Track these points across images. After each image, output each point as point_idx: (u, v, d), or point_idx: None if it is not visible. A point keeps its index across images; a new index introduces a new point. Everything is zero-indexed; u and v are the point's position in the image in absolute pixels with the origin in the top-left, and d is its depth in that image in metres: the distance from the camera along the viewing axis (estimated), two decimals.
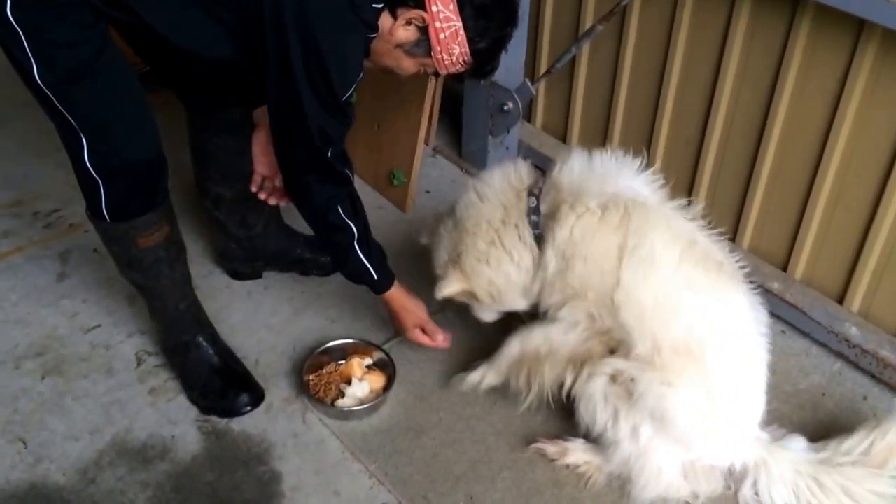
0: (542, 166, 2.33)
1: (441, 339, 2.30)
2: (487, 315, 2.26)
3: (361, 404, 2.27)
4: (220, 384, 2.30)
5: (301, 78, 1.79)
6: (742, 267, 2.01)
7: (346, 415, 2.28)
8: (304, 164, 1.95)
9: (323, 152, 1.90)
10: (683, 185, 2.73)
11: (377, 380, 2.35)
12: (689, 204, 2.02)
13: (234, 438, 2.25)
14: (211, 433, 2.26)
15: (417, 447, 2.22)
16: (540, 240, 1.98)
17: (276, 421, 2.29)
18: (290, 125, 1.88)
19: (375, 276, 2.14)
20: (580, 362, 2.00)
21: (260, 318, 2.60)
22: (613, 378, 1.98)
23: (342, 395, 2.31)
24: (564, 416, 2.24)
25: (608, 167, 1.98)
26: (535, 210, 2.00)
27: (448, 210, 2.19)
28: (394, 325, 2.35)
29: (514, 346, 2.12)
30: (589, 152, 2.00)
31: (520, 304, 2.15)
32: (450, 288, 2.12)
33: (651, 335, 1.90)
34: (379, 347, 2.41)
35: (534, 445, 2.20)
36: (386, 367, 2.37)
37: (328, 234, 2.07)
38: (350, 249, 2.07)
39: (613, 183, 1.95)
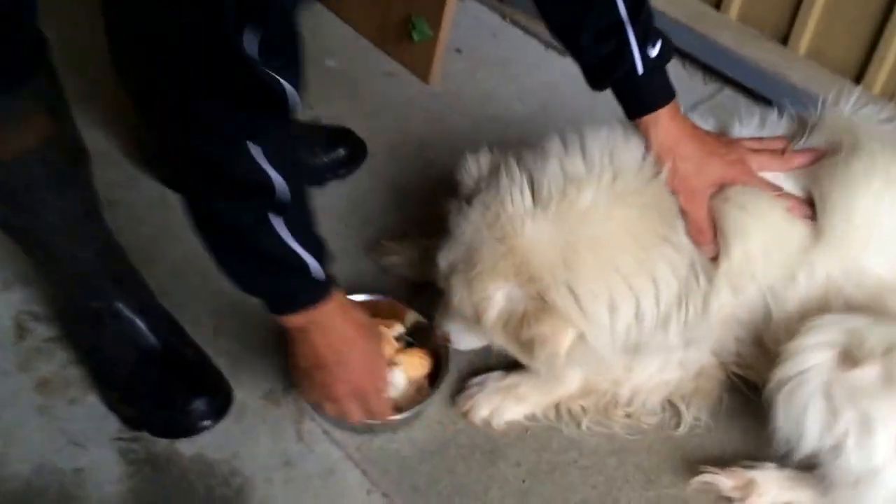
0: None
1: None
2: (470, 343, 1.39)
3: (396, 410, 1.37)
4: (159, 380, 1.37)
5: None
6: None
7: (371, 425, 1.38)
8: (195, 65, 0.91)
9: (237, 45, 0.87)
10: None
11: (418, 364, 1.43)
12: None
13: (184, 471, 1.34)
14: (143, 462, 1.35)
15: (495, 481, 1.35)
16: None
17: (252, 438, 1.39)
18: None
19: (310, 267, 1.10)
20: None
21: None
22: (847, 356, 1.16)
23: None
24: (732, 427, 1.39)
25: None
26: None
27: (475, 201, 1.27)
28: (294, 377, 1.31)
29: (577, 375, 1.40)
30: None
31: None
32: (551, 348, 1.23)
33: None
34: (415, 307, 1.48)
35: (699, 478, 1.34)
36: (429, 340, 1.44)
37: (227, 194, 1.03)
38: (262, 223, 1.04)
39: None
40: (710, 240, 1.24)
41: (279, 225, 1.03)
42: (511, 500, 1.33)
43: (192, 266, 1.60)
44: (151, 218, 1.69)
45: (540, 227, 1.19)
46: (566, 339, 1.20)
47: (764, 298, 1.27)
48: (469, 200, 1.26)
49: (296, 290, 1.12)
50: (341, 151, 1.76)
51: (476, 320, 1.24)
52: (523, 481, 1.35)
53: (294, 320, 1.14)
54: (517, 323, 1.21)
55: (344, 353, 1.18)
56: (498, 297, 1.21)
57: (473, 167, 1.29)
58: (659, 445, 1.40)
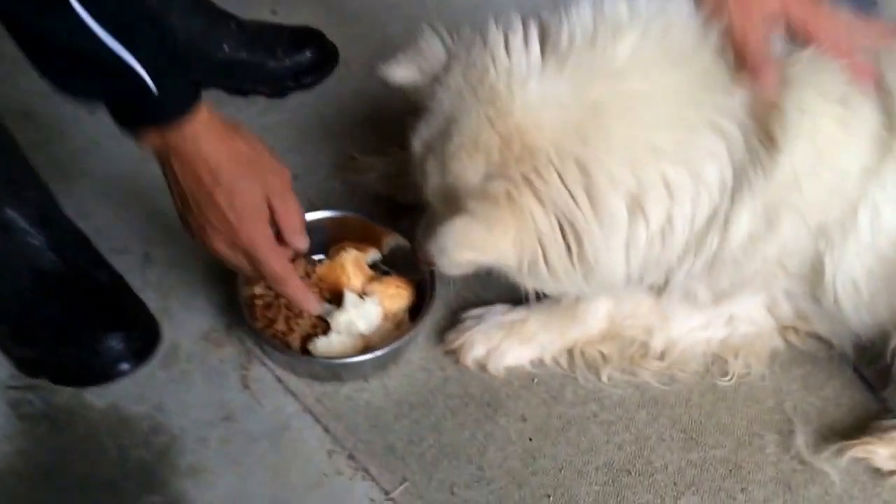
0: None
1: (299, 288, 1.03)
2: (459, 269, 1.03)
3: (367, 350, 1.07)
4: (61, 311, 1.07)
5: None
6: None
7: (335, 371, 1.08)
8: None
9: None
10: None
11: (395, 295, 1.13)
12: None
13: (92, 428, 1.04)
14: (39, 417, 1.05)
15: (493, 440, 1.05)
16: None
17: (184, 388, 1.09)
18: None
19: (139, 73, 0.83)
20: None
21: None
22: None
23: (324, 329, 1.10)
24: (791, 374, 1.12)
25: None
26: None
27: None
28: (184, 222, 1.00)
29: (600, 314, 1.10)
30: None
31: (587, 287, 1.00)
32: (483, 246, 0.92)
33: None
34: (395, 230, 1.18)
35: (851, 452, 1.03)
36: (413, 270, 1.15)
37: None
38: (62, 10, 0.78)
39: None
40: (763, 69, 0.90)
41: (84, 13, 0.77)
42: (515, 463, 1.03)
43: (120, 186, 1.30)
44: (74, 132, 1.39)
45: (549, 85, 0.89)
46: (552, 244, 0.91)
47: (815, 246, 0.98)
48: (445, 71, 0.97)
49: (130, 98, 0.85)
50: (308, 54, 1.46)
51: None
52: (530, 439, 1.05)
53: (148, 140, 0.89)
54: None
55: (211, 189, 0.90)
56: (474, 182, 0.92)
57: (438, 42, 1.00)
58: (699, 397, 1.10)
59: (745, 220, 0.94)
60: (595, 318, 1.10)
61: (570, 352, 1.11)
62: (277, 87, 1.45)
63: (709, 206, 0.94)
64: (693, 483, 1.03)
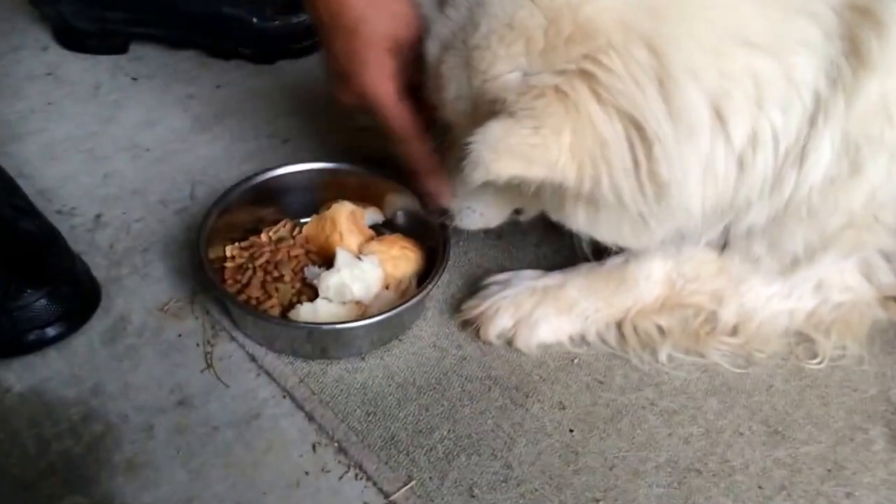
0: None
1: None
2: (483, 219, 0.87)
3: (364, 315, 0.85)
4: None
5: None
6: None
7: (320, 341, 0.86)
8: None
9: None
10: None
11: (401, 257, 0.91)
12: None
13: (5, 417, 0.81)
14: None
15: (523, 431, 0.82)
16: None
17: (130, 366, 0.86)
18: None
19: None
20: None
21: (106, 112, 1.14)
22: None
23: (307, 295, 0.88)
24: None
25: None
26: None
27: None
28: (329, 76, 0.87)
29: (656, 276, 0.89)
30: None
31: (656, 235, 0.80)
32: (530, 152, 0.69)
33: None
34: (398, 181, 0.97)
35: None
36: (421, 232, 0.93)
37: None
38: None
39: None
40: None
41: None
42: (552, 459, 0.79)
43: (75, 147, 1.11)
44: (27, 92, 1.20)
45: None
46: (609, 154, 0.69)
47: None
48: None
49: None
50: (301, 18, 1.27)
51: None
52: (571, 431, 0.82)
53: None
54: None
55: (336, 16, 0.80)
56: (511, 78, 0.71)
57: None
58: (783, 383, 0.87)
59: (824, 154, 0.74)
60: (650, 281, 0.88)
61: (619, 326, 0.89)
62: (263, 50, 1.27)
63: (800, 118, 0.73)
64: (783, 486, 0.79)
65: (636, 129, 0.68)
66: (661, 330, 0.88)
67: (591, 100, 0.68)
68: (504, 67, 0.71)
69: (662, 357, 0.87)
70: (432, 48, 0.78)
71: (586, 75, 0.68)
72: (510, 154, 0.68)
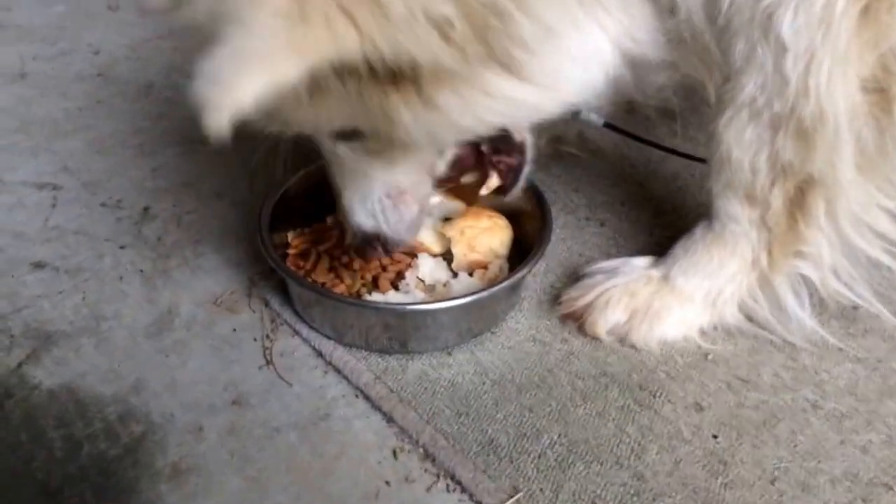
0: None
1: None
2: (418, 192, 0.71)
3: (440, 297, 0.71)
4: None
5: None
6: None
7: (400, 328, 0.71)
8: None
9: None
10: None
11: (492, 227, 0.77)
12: None
13: (33, 415, 0.68)
14: None
15: (653, 437, 0.66)
16: None
17: (179, 363, 0.73)
18: None
19: None
20: None
21: (157, 109, 1.05)
22: None
23: (390, 280, 0.75)
24: None
25: None
26: None
27: None
28: None
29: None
30: None
31: None
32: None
33: None
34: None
35: None
36: (509, 210, 0.80)
37: None
38: None
39: None
40: None
41: None
42: (694, 468, 0.63)
43: (122, 142, 1.01)
44: (76, 91, 1.12)
45: None
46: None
47: None
48: None
49: None
50: None
51: None
52: (714, 437, 0.66)
53: None
54: None
55: None
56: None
57: None
58: None
59: None
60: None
61: (761, 280, 0.71)
62: None
63: None
64: None
65: None
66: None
67: None
68: None
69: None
70: None
71: None
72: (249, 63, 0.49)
